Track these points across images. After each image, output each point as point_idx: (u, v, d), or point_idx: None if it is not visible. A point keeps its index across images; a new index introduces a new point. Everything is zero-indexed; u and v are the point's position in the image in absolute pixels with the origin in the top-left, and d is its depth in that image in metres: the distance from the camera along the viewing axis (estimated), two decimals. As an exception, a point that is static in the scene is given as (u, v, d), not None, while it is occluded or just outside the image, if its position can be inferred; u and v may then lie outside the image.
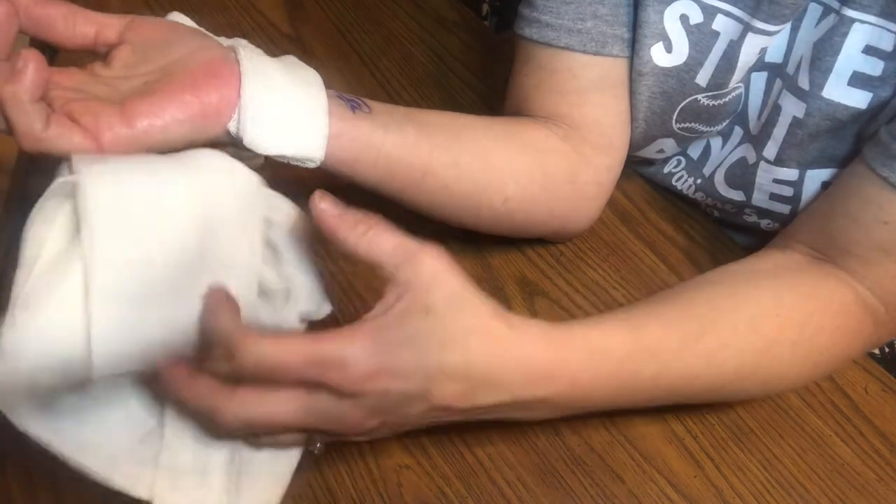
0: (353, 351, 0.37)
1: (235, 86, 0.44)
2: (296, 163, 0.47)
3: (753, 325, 0.48)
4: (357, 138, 0.48)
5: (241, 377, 0.37)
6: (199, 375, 0.37)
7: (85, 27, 0.44)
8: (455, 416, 0.41)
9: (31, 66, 0.39)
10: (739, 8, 0.52)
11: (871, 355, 0.68)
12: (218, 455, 0.40)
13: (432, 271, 0.40)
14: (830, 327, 0.49)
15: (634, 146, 0.62)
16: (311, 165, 0.47)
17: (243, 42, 0.47)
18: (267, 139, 0.45)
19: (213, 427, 0.39)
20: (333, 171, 0.49)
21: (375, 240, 0.40)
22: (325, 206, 0.40)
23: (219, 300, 0.38)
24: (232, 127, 0.44)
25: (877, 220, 0.48)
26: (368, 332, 0.38)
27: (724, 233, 0.66)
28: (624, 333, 0.45)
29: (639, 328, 0.46)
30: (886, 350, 0.70)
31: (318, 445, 0.42)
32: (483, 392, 0.40)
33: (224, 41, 0.48)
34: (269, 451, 0.42)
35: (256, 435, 0.40)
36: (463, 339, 0.39)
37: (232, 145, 0.45)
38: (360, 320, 0.38)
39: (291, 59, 0.49)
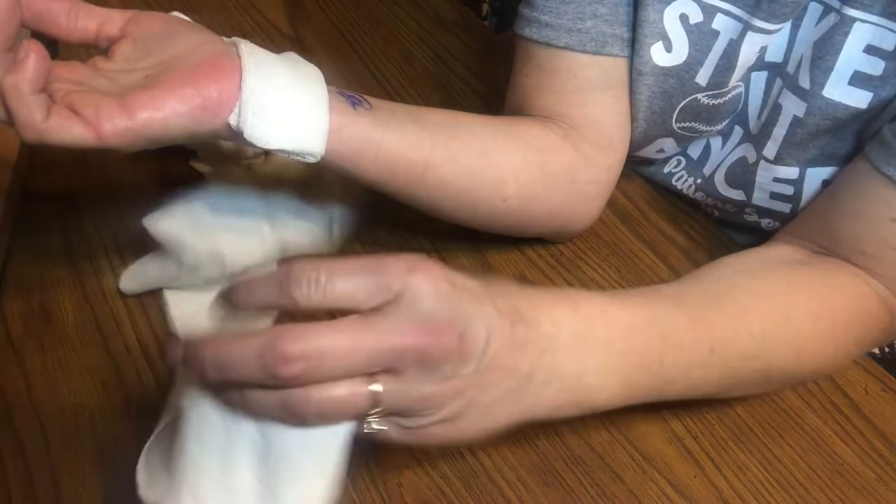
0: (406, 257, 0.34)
1: (236, 80, 0.44)
2: (296, 157, 0.47)
3: (768, 296, 0.48)
4: (357, 133, 0.48)
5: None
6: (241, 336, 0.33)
7: (87, 21, 0.45)
8: (509, 378, 0.36)
9: (33, 56, 0.39)
10: (739, 7, 0.52)
11: (871, 355, 0.68)
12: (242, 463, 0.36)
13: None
14: (846, 305, 0.49)
15: (634, 146, 0.62)
16: (312, 160, 0.47)
17: (243, 41, 0.48)
18: (267, 133, 0.45)
19: (268, 374, 0.32)
20: (334, 167, 0.49)
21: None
22: None
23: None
24: (232, 120, 0.44)
25: (885, 218, 0.48)
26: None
27: (725, 233, 0.66)
28: (647, 291, 0.46)
29: (651, 287, 0.47)
30: (886, 350, 0.70)
31: (377, 421, 0.36)
32: (525, 332, 0.37)
33: (224, 41, 0.48)
34: (304, 446, 0.36)
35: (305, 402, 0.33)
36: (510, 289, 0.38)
37: (232, 139, 0.46)
38: None
39: (292, 56, 0.49)
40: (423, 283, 0.34)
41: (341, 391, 0.33)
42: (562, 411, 0.40)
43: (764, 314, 0.47)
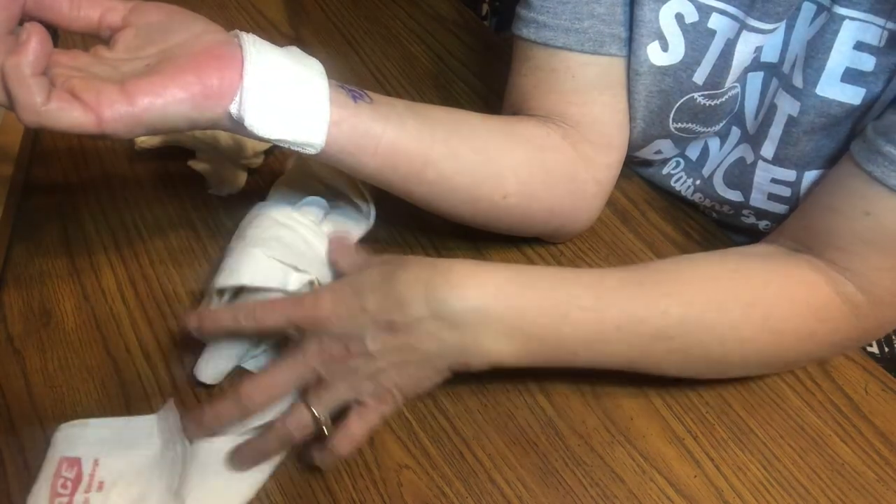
0: (317, 295, 0.48)
1: (238, 69, 0.44)
2: (296, 148, 0.47)
3: (703, 280, 0.50)
4: (357, 126, 0.48)
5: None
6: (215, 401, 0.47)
7: (89, 10, 0.45)
8: (407, 338, 0.46)
9: (34, 39, 0.39)
10: (734, 6, 0.52)
11: (871, 355, 0.68)
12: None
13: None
14: (793, 298, 0.49)
15: (633, 147, 0.61)
16: (312, 152, 0.47)
17: (246, 32, 0.48)
18: (268, 123, 0.45)
19: (247, 413, 0.47)
20: (334, 160, 0.49)
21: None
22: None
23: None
24: (233, 109, 0.44)
25: (859, 212, 0.48)
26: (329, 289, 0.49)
27: (724, 233, 0.66)
28: (557, 269, 0.51)
29: (579, 270, 0.50)
30: (886, 350, 0.70)
31: (325, 419, 0.47)
32: (401, 298, 0.46)
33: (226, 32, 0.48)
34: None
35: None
36: (387, 270, 0.48)
37: (233, 128, 0.46)
38: None
39: (295, 49, 0.49)
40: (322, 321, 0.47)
41: (290, 420, 0.47)
42: (471, 366, 0.48)
43: (687, 300, 0.48)
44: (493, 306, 0.46)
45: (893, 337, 0.71)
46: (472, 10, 0.90)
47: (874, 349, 0.70)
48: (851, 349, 0.57)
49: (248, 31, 0.47)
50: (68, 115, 0.40)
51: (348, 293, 0.47)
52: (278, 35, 0.82)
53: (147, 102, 0.41)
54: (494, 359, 0.47)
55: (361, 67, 0.79)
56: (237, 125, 0.45)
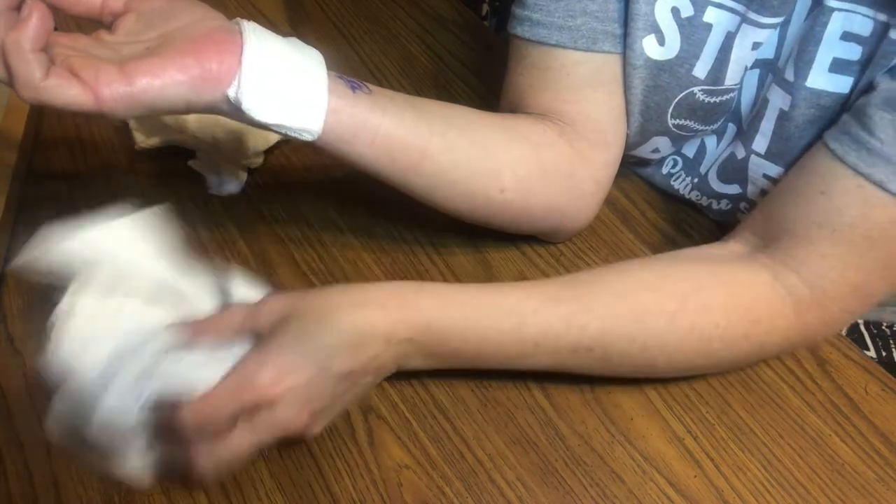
0: (250, 371, 0.42)
1: (237, 53, 0.44)
2: (293, 134, 0.47)
3: (628, 291, 0.49)
4: (355, 116, 0.48)
5: (200, 435, 0.41)
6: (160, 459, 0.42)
7: None
8: (362, 377, 0.45)
9: (35, 15, 0.40)
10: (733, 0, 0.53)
11: (871, 357, 0.68)
12: None
13: (268, 305, 0.45)
14: (725, 303, 0.49)
15: (631, 144, 0.62)
16: (308, 138, 0.48)
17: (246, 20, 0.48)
18: (266, 107, 0.45)
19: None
20: (331, 149, 0.49)
21: (227, 320, 0.44)
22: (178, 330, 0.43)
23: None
24: (231, 93, 0.44)
25: (816, 191, 0.48)
26: (255, 357, 0.43)
27: (724, 233, 0.66)
28: (479, 288, 0.49)
29: (500, 288, 0.49)
30: (884, 354, 0.70)
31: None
32: (362, 347, 0.44)
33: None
34: None
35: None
36: (325, 319, 0.44)
37: (231, 113, 0.46)
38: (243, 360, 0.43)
39: (294, 40, 0.49)
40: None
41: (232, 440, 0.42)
42: (385, 376, 0.48)
43: (606, 312, 0.48)
44: (418, 336, 0.46)
45: (891, 342, 0.71)
46: (472, 10, 0.90)
47: (871, 354, 0.70)
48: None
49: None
50: (66, 92, 0.40)
51: (289, 361, 0.43)
52: (278, 34, 0.82)
53: (145, 83, 0.42)
54: (411, 369, 0.49)
55: (361, 67, 0.79)
56: (235, 109, 0.45)
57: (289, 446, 0.49)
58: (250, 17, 0.47)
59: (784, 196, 0.51)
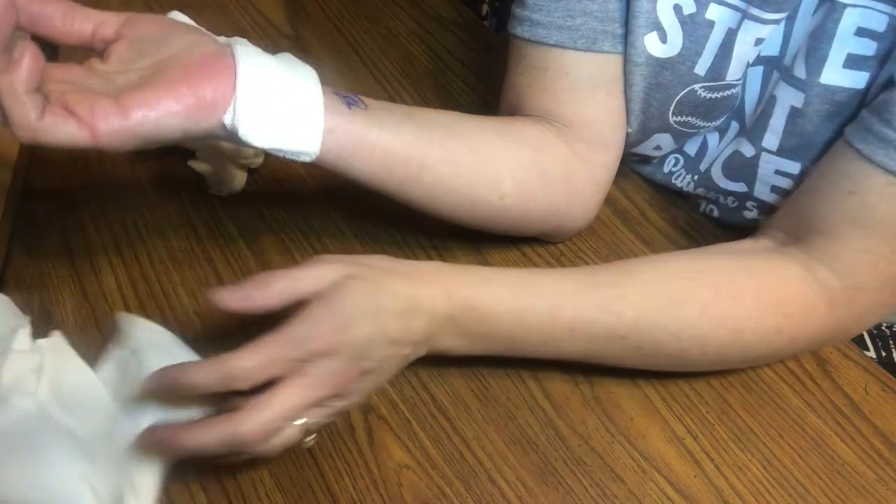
0: (307, 327, 0.42)
1: (231, 79, 0.44)
2: (291, 157, 0.47)
3: (663, 280, 0.50)
4: (352, 133, 0.48)
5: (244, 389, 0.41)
6: (201, 423, 0.42)
7: (82, 24, 0.45)
8: (404, 348, 0.46)
9: (28, 56, 0.40)
10: None
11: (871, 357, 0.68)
12: None
13: (316, 269, 0.45)
14: (758, 295, 0.50)
15: (632, 142, 0.62)
16: (307, 159, 0.48)
17: (241, 40, 0.48)
18: (262, 132, 0.45)
19: (241, 448, 0.41)
20: (329, 167, 0.49)
21: (271, 287, 0.43)
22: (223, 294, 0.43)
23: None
24: (227, 120, 0.44)
25: (845, 191, 0.49)
26: (308, 316, 0.42)
27: (724, 232, 0.66)
28: (517, 272, 0.50)
29: (537, 272, 0.51)
30: (883, 354, 0.70)
31: (311, 438, 0.46)
32: (412, 316, 0.45)
33: (223, 40, 0.48)
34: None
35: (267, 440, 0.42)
36: (384, 284, 0.45)
37: (228, 138, 0.46)
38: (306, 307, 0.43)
39: (288, 56, 0.49)
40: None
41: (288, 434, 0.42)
42: (418, 356, 0.48)
43: (642, 301, 0.49)
44: (457, 313, 0.47)
45: (891, 343, 0.71)
46: (472, 10, 0.90)
47: (871, 354, 0.70)
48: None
49: (248, 31, 0.47)
50: (63, 130, 0.40)
51: (348, 317, 0.43)
52: (278, 35, 0.82)
53: (141, 115, 0.42)
54: (444, 352, 0.49)
55: (361, 67, 0.79)
56: (231, 135, 0.45)
57: (333, 419, 0.46)
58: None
59: (812, 197, 0.51)
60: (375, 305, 0.44)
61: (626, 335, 0.49)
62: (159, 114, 0.42)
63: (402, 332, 0.45)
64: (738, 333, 0.50)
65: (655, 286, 0.50)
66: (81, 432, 0.45)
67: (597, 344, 0.49)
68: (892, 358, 0.70)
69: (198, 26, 0.49)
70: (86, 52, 0.46)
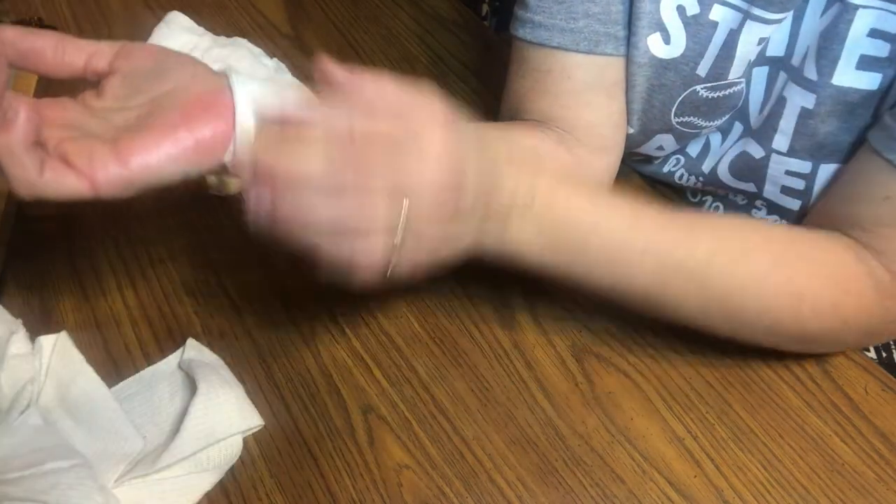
0: (404, 94, 0.43)
1: (229, 118, 0.43)
2: None
3: (736, 231, 0.51)
4: None
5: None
6: None
7: (74, 57, 0.44)
8: (468, 216, 0.44)
9: (22, 114, 0.38)
10: None
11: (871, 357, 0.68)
12: None
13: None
14: (819, 265, 0.50)
15: (634, 142, 0.62)
16: None
17: (240, 40, 0.47)
18: None
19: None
20: None
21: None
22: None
23: None
24: (228, 159, 0.43)
25: (879, 198, 0.49)
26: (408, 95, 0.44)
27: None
28: (600, 193, 0.50)
29: (617, 196, 0.50)
30: (884, 355, 0.70)
31: (397, 242, 0.42)
32: (499, 178, 0.45)
33: (224, 40, 0.47)
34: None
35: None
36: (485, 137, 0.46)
37: (229, 175, 0.45)
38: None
39: (284, 80, 0.48)
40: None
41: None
42: (484, 252, 0.48)
43: (716, 245, 0.49)
44: (538, 200, 0.46)
45: (891, 342, 0.71)
46: (472, 10, 0.90)
47: (872, 354, 0.70)
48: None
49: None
50: (63, 185, 0.39)
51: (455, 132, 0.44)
52: (278, 35, 0.82)
53: (140, 162, 0.40)
54: (513, 248, 0.48)
55: (361, 67, 0.79)
56: (234, 173, 0.44)
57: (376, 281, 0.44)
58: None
59: (847, 202, 0.52)
60: (463, 145, 0.43)
61: (694, 270, 0.48)
62: (159, 160, 0.41)
63: (480, 184, 0.43)
64: (797, 300, 0.49)
65: (730, 231, 0.50)
66: (88, 445, 0.45)
67: (664, 276, 0.49)
68: (892, 358, 0.70)
69: (190, 57, 0.47)
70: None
